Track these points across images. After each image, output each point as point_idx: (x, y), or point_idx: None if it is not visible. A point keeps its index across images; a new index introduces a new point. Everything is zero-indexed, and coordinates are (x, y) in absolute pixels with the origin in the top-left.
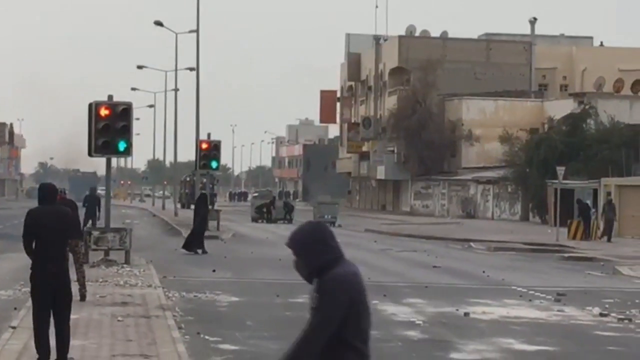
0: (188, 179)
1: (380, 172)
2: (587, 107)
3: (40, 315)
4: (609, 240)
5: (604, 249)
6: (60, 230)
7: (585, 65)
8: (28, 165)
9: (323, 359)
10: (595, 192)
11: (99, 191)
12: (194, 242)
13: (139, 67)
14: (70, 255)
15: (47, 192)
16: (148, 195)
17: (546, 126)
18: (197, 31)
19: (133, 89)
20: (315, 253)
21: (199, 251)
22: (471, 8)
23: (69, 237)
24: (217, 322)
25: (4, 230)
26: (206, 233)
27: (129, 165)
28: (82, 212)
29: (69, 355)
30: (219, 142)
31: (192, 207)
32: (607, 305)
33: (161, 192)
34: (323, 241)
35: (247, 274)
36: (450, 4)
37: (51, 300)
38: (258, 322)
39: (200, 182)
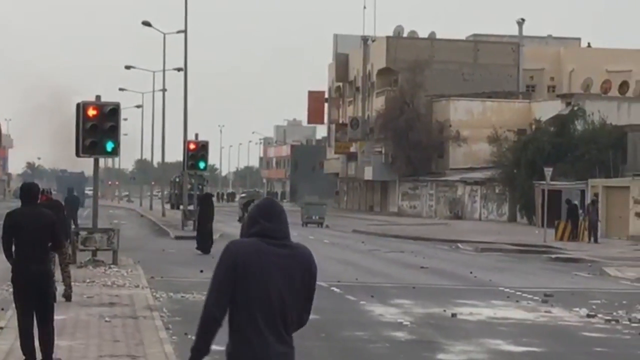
0: (177, 179)
1: (368, 173)
2: (575, 108)
3: (23, 317)
4: (595, 241)
5: (591, 250)
6: (38, 231)
7: (573, 67)
8: (16, 165)
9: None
10: (583, 193)
11: (86, 191)
12: (202, 243)
13: (127, 67)
14: (56, 256)
15: (26, 193)
16: (127, 196)
17: (534, 127)
18: (185, 31)
19: (121, 89)
20: (246, 225)
21: (199, 251)
22: (459, 9)
23: (51, 239)
24: None
25: None
26: (194, 234)
27: (116, 166)
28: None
29: (55, 356)
30: (207, 142)
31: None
32: (594, 306)
33: (132, 194)
34: (255, 218)
35: None
36: (438, 5)
37: (34, 302)
38: None
39: (189, 182)
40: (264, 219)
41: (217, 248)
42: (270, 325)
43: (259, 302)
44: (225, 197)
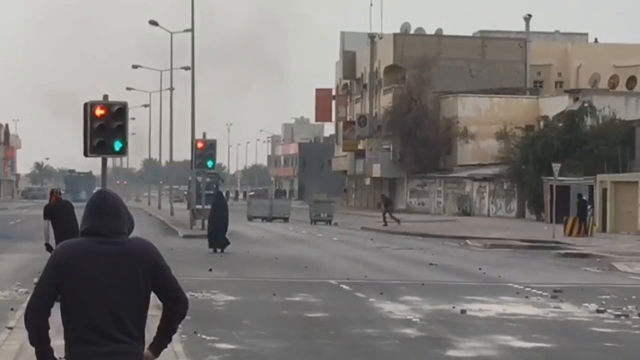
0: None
1: (376, 170)
2: (585, 104)
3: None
4: (590, 235)
5: (600, 245)
6: None
7: (580, 62)
8: (24, 165)
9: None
10: (591, 188)
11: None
12: (220, 240)
13: (134, 66)
14: None
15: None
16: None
17: (542, 123)
18: (192, 30)
19: (128, 88)
20: (82, 220)
21: (219, 250)
22: (466, 5)
23: None
24: (213, 321)
25: (0, 231)
26: (203, 232)
27: (124, 165)
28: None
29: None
30: (215, 141)
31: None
32: (603, 302)
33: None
34: (85, 215)
35: (243, 273)
36: (445, 1)
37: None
38: (255, 321)
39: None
40: (93, 216)
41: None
42: (101, 325)
43: (87, 304)
44: (239, 195)
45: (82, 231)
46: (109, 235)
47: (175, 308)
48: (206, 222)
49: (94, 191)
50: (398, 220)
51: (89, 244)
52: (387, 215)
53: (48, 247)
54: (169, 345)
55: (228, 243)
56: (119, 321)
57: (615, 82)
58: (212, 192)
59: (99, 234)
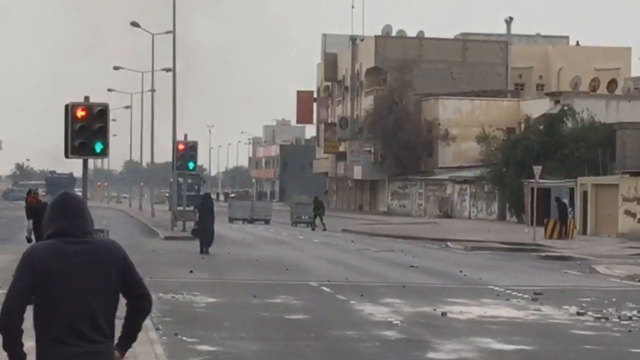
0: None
1: (357, 172)
2: (565, 107)
3: None
4: (570, 237)
5: (581, 248)
6: None
7: (561, 65)
8: (4, 166)
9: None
10: (572, 191)
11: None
12: (208, 240)
13: (115, 68)
14: None
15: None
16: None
17: (522, 125)
18: (173, 32)
19: (109, 90)
20: (46, 225)
21: (204, 249)
22: (447, 8)
23: None
24: (194, 323)
25: None
26: (184, 234)
27: (105, 167)
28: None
29: None
30: (196, 143)
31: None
32: (583, 304)
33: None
34: (52, 217)
35: (224, 275)
36: (427, 4)
37: None
38: (235, 322)
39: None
40: (60, 217)
41: (191, 249)
42: (77, 326)
43: (63, 305)
44: (219, 196)
45: (49, 234)
46: (79, 235)
47: (143, 305)
48: (187, 223)
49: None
50: (324, 228)
51: (61, 245)
52: (318, 219)
53: (29, 241)
54: (150, 347)
55: (211, 243)
56: (94, 321)
57: (596, 84)
58: (193, 193)
59: (69, 234)
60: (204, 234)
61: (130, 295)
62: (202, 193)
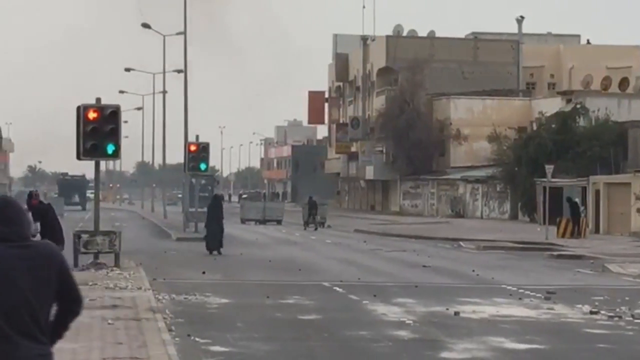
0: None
1: (369, 173)
2: (577, 105)
3: None
4: (583, 236)
5: (593, 247)
6: None
7: (573, 64)
8: (17, 169)
9: None
10: (584, 190)
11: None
12: (213, 243)
13: (127, 69)
14: None
15: None
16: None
17: (534, 124)
18: (184, 33)
19: (121, 91)
20: None
21: (215, 252)
22: (458, 7)
23: None
24: (207, 324)
25: None
26: (196, 235)
27: (117, 168)
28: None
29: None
30: (208, 144)
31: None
32: (596, 303)
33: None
34: None
35: (236, 276)
36: (438, 3)
37: None
38: (248, 323)
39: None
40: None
41: (204, 250)
42: (19, 329)
43: (4, 308)
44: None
45: None
46: (18, 240)
47: (74, 307)
48: (200, 224)
49: (88, 195)
50: (316, 227)
51: (2, 248)
52: (312, 218)
53: None
54: (163, 348)
55: (220, 245)
56: (38, 323)
57: (608, 83)
58: (207, 194)
59: (8, 239)
60: (211, 236)
61: (65, 297)
62: (210, 194)
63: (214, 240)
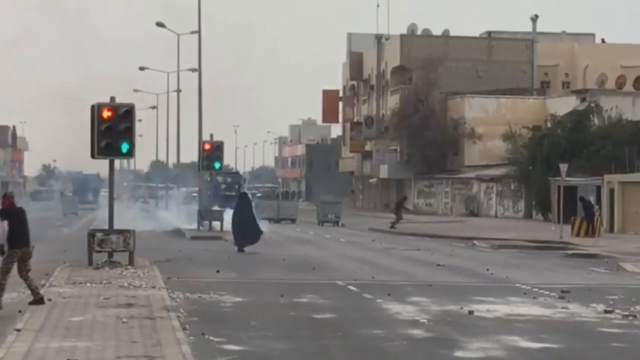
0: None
1: (383, 171)
2: (592, 104)
3: None
4: (597, 235)
5: (608, 246)
6: None
7: (587, 62)
8: (31, 167)
9: None
10: (599, 188)
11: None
12: (250, 236)
13: (141, 68)
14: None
15: None
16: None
17: (549, 123)
18: (198, 32)
19: (135, 90)
20: None
21: (242, 251)
22: (473, 6)
23: None
24: (221, 323)
25: None
26: (211, 234)
27: (132, 167)
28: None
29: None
30: (222, 142)
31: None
32: (611, 302)
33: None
34: None
35: (251, 274)
36: (452, 2)
37: None
38: (262, 322)
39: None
40: None
41: (218, 249)
42: None
43: None
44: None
45: None
46: None
47: None
48: (214, 223)
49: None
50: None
51: None
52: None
53: (1, 248)
54: (177, 347)
55: (261, 232)
56: None
57: (623, 82)
58: (234, 193)
59: None
60: (241, 234)
61: None
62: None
63: (243, 238)
